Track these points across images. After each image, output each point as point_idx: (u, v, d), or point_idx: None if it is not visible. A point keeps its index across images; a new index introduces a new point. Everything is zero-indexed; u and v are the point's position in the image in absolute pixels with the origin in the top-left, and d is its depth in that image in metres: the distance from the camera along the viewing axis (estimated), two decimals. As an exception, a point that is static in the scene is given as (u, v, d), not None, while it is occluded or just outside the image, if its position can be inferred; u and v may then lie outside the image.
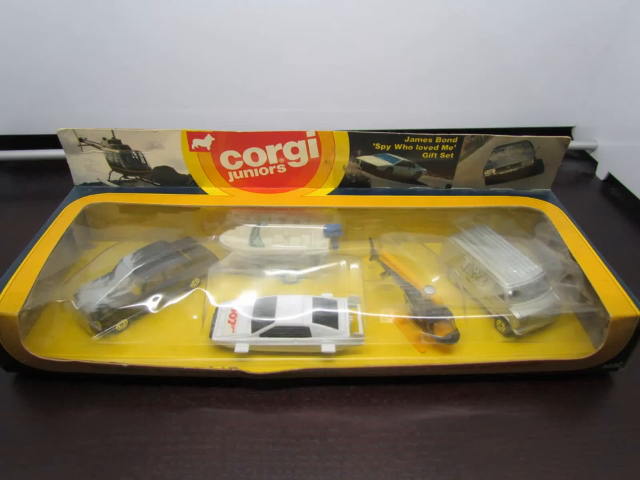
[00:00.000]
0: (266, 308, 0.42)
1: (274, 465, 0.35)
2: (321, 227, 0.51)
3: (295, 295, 0.44)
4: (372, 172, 0.52)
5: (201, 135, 0.49)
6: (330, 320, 0.42)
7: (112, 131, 0.48)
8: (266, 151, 0.50)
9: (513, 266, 0.45)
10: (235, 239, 0.49)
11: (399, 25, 0.67)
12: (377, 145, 0.50)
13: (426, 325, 0.42)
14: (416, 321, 0.43)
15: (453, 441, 0.37)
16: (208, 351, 0.42)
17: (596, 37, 0.69)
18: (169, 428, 0.37)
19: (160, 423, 0.38)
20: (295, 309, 0.42)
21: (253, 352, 0.41)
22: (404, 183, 0.52)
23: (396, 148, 0.50)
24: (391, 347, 0.43)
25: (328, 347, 0.41)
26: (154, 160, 0.50)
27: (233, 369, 0.39)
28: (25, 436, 0.37)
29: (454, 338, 0.42)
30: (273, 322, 0.41)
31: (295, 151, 0.50)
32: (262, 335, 0.41)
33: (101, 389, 0.40)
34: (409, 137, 0.49)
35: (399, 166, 0.51)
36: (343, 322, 0.42)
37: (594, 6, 0.67)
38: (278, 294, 0.44)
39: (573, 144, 0.74)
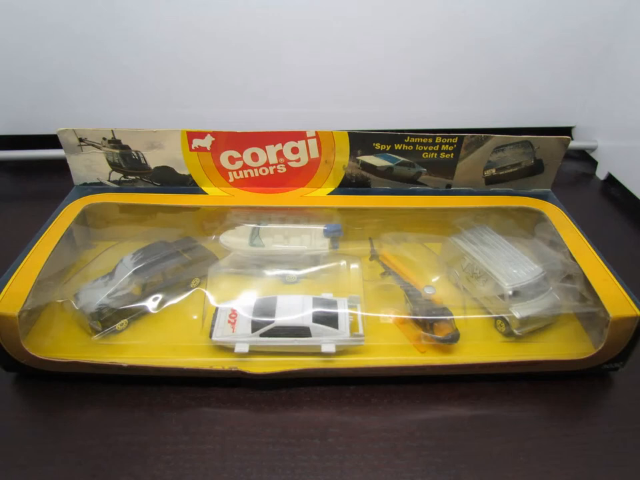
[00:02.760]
0: (266, 308, 0.42)
1: (274, 465, 0.35)
2: (321, 227, 0.51)
3: (294, 295, 0.44)
4: (372, 172, 0.52)
5: (201, 135, 0.49)
6: (330, 320, 0.42)
7: (112, 130, 0.48)
8: (266, 151, 0.50)
9: (513, 266, 0.45)
10: (235, 239, 0.49)
11: (399, 24, 0.67)
12: (377, 145, 0.50)
13: (426, 325, 0.42)
14: (416, 321, 0.43)
15: (453, 440, 0.37)
16: (208, 350, 0.42)
17: (596, 37, 0.69)
18: (169, 428, 0.37)
19: (160, 423, 0.38)
20: (294, 309, 0.42)
21: (253, 352, 0.41)
22: (404, 182, 0.52)
23: (396, 148, 0.50)
24: (390, 346, 0.43)
25: (328, 347, 0.41)
26: (154, 160, 0.50)
27: (233, 369, 0.39)
28: (25, 436, 0.37)
29: (454, 338, 0.42)
30: (273, 322, 0.41)
31: (295, 151, 0.50)
32: (262, 335, 0.41)
33: (101, 389, 0.40)
34: (409, 137, 0.49)
35: (399, 166, 0.51)
36: (343, 322, 0.42)
37: (594, 6, 0.67)
38: (278, 294, 0.44)
39: (573, 144, 0.74)
